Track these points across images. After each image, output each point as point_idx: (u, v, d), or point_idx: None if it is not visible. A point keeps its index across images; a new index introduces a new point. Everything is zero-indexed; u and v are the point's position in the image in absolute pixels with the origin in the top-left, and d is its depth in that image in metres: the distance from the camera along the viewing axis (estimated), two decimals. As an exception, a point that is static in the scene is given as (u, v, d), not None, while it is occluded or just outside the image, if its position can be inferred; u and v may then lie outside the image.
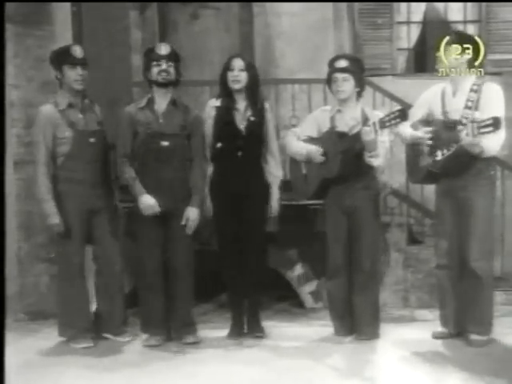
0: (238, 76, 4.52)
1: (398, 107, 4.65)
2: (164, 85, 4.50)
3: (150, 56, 4.51)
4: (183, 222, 4.52)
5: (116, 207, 4.76)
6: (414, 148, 4.49)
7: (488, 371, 3.92)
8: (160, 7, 6.82)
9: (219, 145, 4.60)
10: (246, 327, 4.71)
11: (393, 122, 4.25)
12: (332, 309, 4.73)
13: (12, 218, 5.11)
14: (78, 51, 4.51)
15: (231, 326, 4.73)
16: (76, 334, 4.59)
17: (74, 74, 4.49)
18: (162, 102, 4.54)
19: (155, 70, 4.48)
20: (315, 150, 4.55)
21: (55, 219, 4.46)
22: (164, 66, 4.46)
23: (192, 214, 4.53)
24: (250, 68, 4.57)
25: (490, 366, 4.03)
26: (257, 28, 6.62)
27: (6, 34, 4.76)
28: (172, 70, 4.50)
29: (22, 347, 4.60)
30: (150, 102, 4.55)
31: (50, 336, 4.77)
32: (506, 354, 4.28)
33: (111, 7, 6.13)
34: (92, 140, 4.55)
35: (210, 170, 4.62)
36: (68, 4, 5.56)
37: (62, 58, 4.52)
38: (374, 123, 4.31)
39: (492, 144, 4.20)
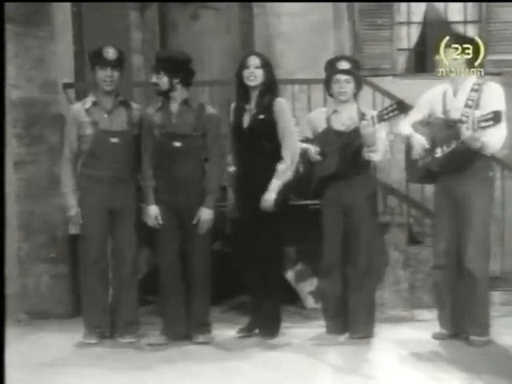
0: (254, 73, 4.51)
1: (396, 100, 4.66)
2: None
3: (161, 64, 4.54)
4: (194, 222, 4.50)
5: (137, 208, 4.72)
6: (412, 147, 4.50)
7: (488, 371, 3.92)
8: (160, 7, 6.81)
9: (235, 145, 4.65)
10: (262, 327, 4.67)
11: (391, 114, 4.27)
12: (325, 307, 4.75)
13: (12, 218, 5.11)
14: (110, 53, 4.56)
15: (248, 322, 4.71)
16: (88, 330, 4.65)
17: (103, 75, 4.55)
18: (175, 102, 4.55)
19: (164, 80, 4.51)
20: (312, 149, 4.56)
21: (73, 211, 4.58)
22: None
23: (204, 215, 4.51)
24: (265, 65, 4.55)
25: (490, 366, 4.03)
26: (257, 28, 6.62)
27: (6, 34, 4.78)
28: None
29: (22, 347, 4.61)
30: (165, 103, 4.57)
31: (50, 336, 4.78)
32: (506, 354, 4.28)
33: (111, 7, 6.13)
34: (115, 140, 4.57)
35: (233, 170, 4.65)
36: (68, 4, 5.57)
37: (94, 58, 4.61)
38: (372, 117, 4.34)
39: (493, 140, 4.20)
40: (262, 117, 4.55)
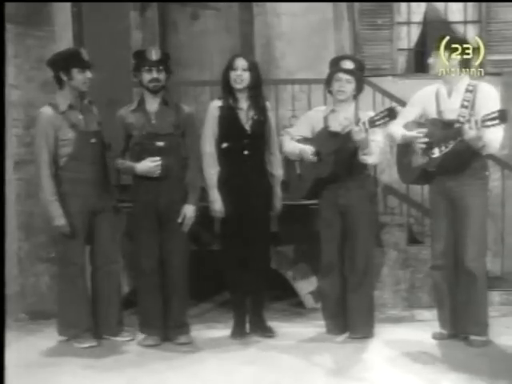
0: (241, 75, 4.52)
1: (388, 106, 4.66)
2: (155, 92, 4.51)
3: (141, 60, 4.50)
4: (180, 220, 4.52)
5: (116, 207, 4.77)
6: (405, 148, 4.48)
7: (487, 371, 3.92)
8: (160, 8, 6.82)
9: (225, 145, 4.60)
10: (251, 327, 4.71)
11: (382, 121, 4.27)
12: (325, 307, 4.76)
13: (12, 218, 5.11)
14: (85, 55, 4.53)
15: (234, 326, 4.72)
16: (78, 334, 4.60)
17: (83, 77, 4.51)
18: (153, 102, 4.55)
19: (146, 76, 4.48)
20: (307, 150, 4.57)
21: (61, 221, 4.47)
22: (155, 74, 4.46)
23: (188, 212, 4.53)
24: (252, 68, 4.56)
25: (490, 366, 4.03)
26: (257, 28, 6.62)
27: (7, 35, 4.77)
28: (162, 75, 4.50)
29: (22, 347, 4.60)
30: (141, 103, 4.56)
31: (50, 336, 4.77)
32: (506, 354, 4.28)
33: (112, 8, 6.13)
34: (93, 140, 4.57)
35: (217, 170, 4.61)
36: (68, 4, 5.57)
37: (71, 60, 4.52)
38: (363, 123, 4.33)
39: (494, 139, 4.18)
40: (262, 119, 4.59)
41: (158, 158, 4.45)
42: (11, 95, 5.19)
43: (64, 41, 5.42)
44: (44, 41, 5.31)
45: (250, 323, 4.73)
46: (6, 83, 4.68)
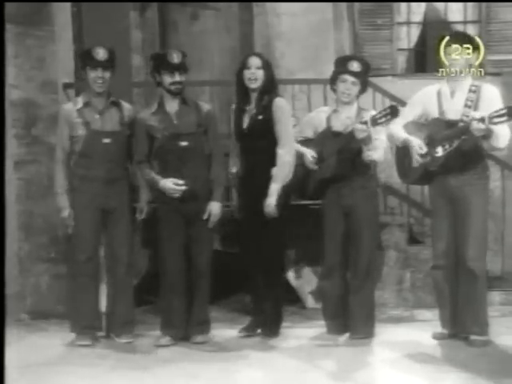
0: (255, 73, 4.50)
1: (390, 104, 4.65)
2: (177, 94, 4.50)
3: (162, 63, 4.47)
4: (205, 217, 4.51)
5: (131, 207, 4.71)
6: (405, 149, 4.47)
7: (488, 371, 3.91)
8: (160, 7, 6.82)
9: (236, 146, 4.65)
10: (263, 330, 4.69)
11: (384, 119, 4.26)
12: (325, 307, 4.75)
13: (12, 218, 5.11)
14: (100, 54, 4.52)
15: (250, 321, 4.71)
16: (79, 331, 4.62)
17: (94, 76, 4.52)
18: (172, 103, 4.53)
19: (168, 79, 4.46)
20: (308, 154, 4.56)
21: (65, 213, 4.55)
22: (177, 76, 4.45)
23: (214, 209, 4.53)
24: (266, 66, 4.55)
25: (490, 366, 4.03)
26: (257, 28, 6.63)
27: (7, 34, 4.77)
28: (183, 77, 4.49)
29: (22, 347, 4.60)
30: (161, 105, 4.55)
31: (50, 336, 4.79)
32: (506, 354, 4.27)
33: (111, 8, 6.13)
34: (107, 140, 4.54)
35: (234, 170, 4.67)
36: (68, 4, 5.57)
37: (84, 59, 4.58)
38: (366, 121, 4.31)
39: (504, 134, 4.15)
40: (260, 117, 4.54)
41: (181, 182, 4.44)
42: (11, 95, 5.19)
43: (64, 41, 5.42)
44: (44, 41, 5.31)
45: (268, 323, 4.68)
46: (5, 83, 4.69)
